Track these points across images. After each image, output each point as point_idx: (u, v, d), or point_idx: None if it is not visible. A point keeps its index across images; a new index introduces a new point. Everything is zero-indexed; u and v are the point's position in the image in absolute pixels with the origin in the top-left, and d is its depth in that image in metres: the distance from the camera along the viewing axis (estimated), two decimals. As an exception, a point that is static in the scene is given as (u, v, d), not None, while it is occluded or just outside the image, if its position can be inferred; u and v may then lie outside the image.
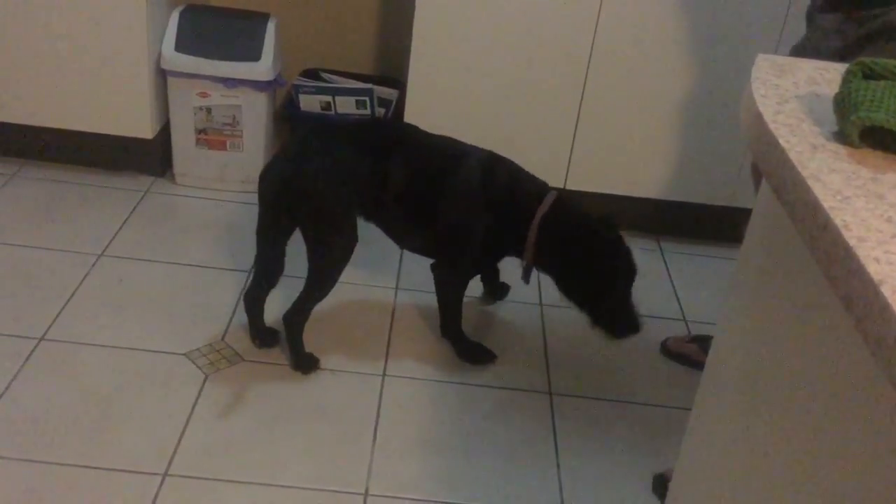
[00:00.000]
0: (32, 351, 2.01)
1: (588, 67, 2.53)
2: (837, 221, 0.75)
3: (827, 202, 0.78)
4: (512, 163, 2.06)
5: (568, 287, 2.01)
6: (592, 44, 2.51)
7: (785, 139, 0.90)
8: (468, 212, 1.98)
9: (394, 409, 1.99)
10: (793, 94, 1.02)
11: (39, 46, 2.54)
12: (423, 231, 2.05)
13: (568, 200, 2.04)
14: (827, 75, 1.08)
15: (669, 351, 2.26)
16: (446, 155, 2.01)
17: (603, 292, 1.96)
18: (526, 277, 2.05)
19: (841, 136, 0.91)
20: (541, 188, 2.03)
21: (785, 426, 0.96)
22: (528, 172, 2.06)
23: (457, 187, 1.97)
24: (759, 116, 0.95)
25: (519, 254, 2.02)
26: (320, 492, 1.75)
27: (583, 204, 2.10)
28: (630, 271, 1.99)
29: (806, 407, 0.92)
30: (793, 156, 0.86)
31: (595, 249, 1.97)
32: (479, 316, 2.34)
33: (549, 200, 1.99)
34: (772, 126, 0.92)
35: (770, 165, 0.91)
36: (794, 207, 0.84)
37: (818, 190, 0.80)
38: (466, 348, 2.15)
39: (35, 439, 1.78)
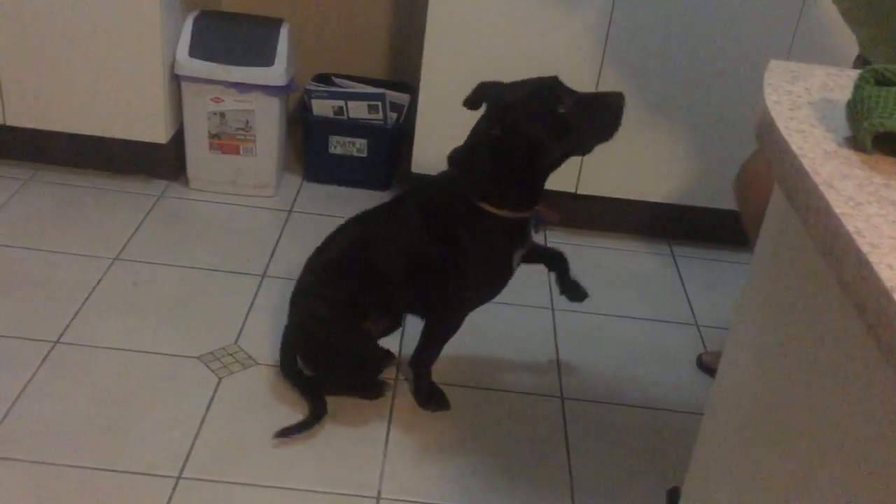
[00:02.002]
0: (48, 354, 2.02)
1: (600, 73, 2.54)
2: (850, 228, 0.76)
3: (839, 208, 0.79)
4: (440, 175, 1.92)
5: None
6: (604, 49, 2.51)
7: (797, 145, 0.90)
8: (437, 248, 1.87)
9: (406, 412, 2.00)
10: (805, 100, 1.02)
11: (54, 52, 2.56)
12: (421, 288, 1.94)
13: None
14: (839, 81, 1.09)
15: (705, 366, 2.23)
16: (391, 214, 1.94)
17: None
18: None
19: (853, 143, 0.91)
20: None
21: (798, 435, 0.96)
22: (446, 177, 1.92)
23: (412, 233, 1.88)
24: (771, 122, 0.96)
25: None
26: (333, 495, 1.75)
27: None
28: None
29: (819, 415, 0.92)
30: (805, 162, 0.86)
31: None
32: (491, 320, 2.35)
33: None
34: (784, 132, 0.93)
35: (782, 171, 0.91)
36: (807, 214, 0.84)
37: (831, 196, 0.81)
38: (427, 388, 2.03)
39: (49, 442, 1.79)
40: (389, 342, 2.17)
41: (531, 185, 1.83)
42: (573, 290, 2.08)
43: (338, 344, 1.95)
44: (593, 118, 1.74)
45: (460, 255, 1.85)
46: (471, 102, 1.82)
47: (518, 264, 1.93)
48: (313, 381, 2.00)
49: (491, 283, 1.94)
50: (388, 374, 2.10)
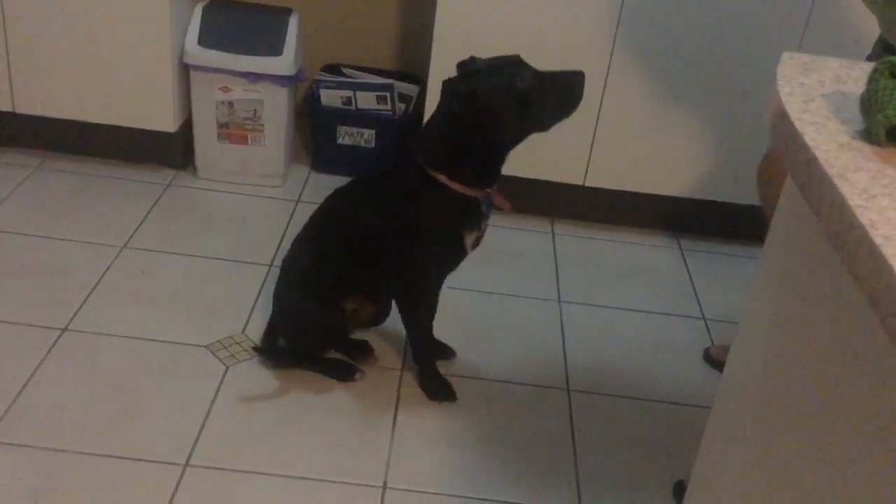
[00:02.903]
0: (56, 341, 2.03)
1: (609, 64, 2.53)
2: (864, 220, 0.75)
3: (853, 200, 0.78)
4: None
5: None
6: (614, 40, 2.50)
7: (811, 137, 0.90)
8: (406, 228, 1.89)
9: (412, 403, 2.00)
10: (818, 92, 1.02)
11: (63, 40, 2.57)
12: (383, 269, 1.96)
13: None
14: (853, 73, 1.08)
15: (712, 359, 2.23)
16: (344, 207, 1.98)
17: None
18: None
19: (867, 135, 0.91)
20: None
21: (807, 430, 0.96)
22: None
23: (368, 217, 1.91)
24: (784, 114, 0.95)
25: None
26: (339, 484, 1.76)
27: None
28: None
29: (829, 409, 0.92)
30: (819, 154, 0.86)
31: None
32: (498, 312, 2.35)
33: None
34: (798, 124, 0.92)
35: (796, 163, 0.91)
36: (820, 206, 0.84)
37: (844, 188, 0.80)
38: (431, 380, 2.04)
39: (57, 428, 1.80)
40: (391, 340, 2.17)
41: (487, 163, 1.84)
42: (437, 350, 2.11)
43: (305, 314, 1.98)
44: (552, 94, 1.77)
45: (412, 226, 1.86)
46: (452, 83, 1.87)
47: (472, 247, 1.94)
48: (288, 355, 2.05)
49: (442, 256, 1.94)
50: (393, 364, 2.10)
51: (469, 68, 1.82)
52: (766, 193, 1.99)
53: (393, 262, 1.92)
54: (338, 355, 2.09)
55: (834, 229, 0.80)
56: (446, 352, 2.15)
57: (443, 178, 1.82)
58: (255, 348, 2.06)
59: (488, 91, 1.74)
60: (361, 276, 1.97)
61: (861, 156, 0.87)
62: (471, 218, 1.88)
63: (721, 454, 1.25)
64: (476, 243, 1.94)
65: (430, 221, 1.86)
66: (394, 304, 2.09)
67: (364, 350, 2.11)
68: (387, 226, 1.88)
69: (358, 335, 2.14)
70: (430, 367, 2.03)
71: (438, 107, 1.84)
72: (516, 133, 1.81)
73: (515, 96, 1.75)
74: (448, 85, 1.81)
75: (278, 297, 2.05)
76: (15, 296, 2.16)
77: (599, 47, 2.51)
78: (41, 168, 2.73)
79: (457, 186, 1.82)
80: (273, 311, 2.09)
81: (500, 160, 1.85)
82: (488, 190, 1.86)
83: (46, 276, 2.25)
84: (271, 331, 2.08)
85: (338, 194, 2.00)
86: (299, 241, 2.02)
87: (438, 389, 2.02)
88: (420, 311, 1.99)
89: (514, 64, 1.78)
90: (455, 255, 1.95)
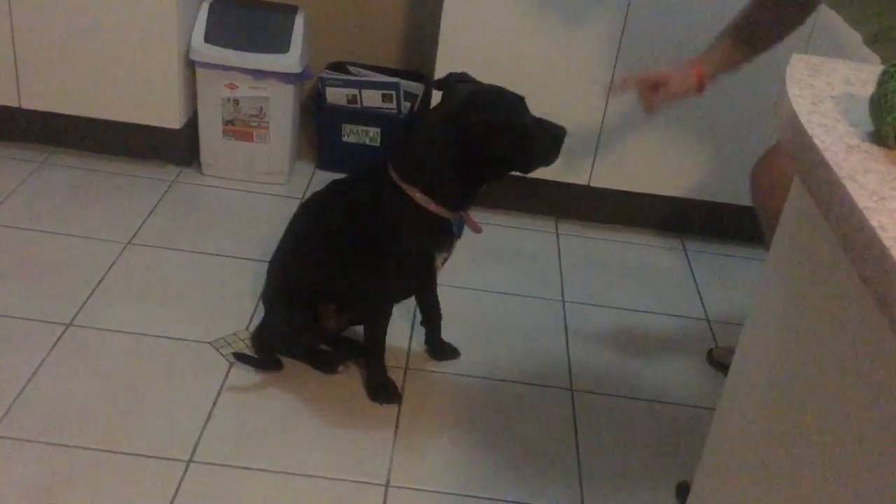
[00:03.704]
0: (60, 337, 2.03)
1: (615, 64, 2.53)
2: (873, 222, 0.75)
3: (862, 203, 0.78)
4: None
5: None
6: (620, 40, 2.50)
7: (820, 139, 0.90)
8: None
9: (416, 401, 2.00)
10: (827, 94, 1.02)
11: (70, 36, 2.57)
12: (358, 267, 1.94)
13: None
14: (862, 76, 1.08)
15: (715, 361, 2.23)
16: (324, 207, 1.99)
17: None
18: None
19: (876, 137, 0.91)
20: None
21: (813, 432, 0.96)
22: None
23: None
24: (793, 116, 0.95)
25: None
26: (342, 482, 1.76)
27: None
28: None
29: (836, 411, 0.91)
30: (828, 156, 0.86)
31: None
32: (502, 311, 2.35)
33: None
34: (807, 126, 0.92)
35: (805, 165, 0.91)
36: (829, 208, 0.83)
37: (853, 190, 0.80)
38: (375, 381, 2.01)
39: (61, 424, 1.80)
40: (396, 339, 2.17)
41: (467, 188, 1.84)
42: (442, 351, 2.14)
43: (280, 313, 2.01)
44: (542, 141, 1.83)
45: (383, 243, 1.86)
46: (436, 84, 1.90)
47: (439, 268, 1.95)
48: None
49: (409, 275, 1.95)
50: (396, 362, 2.10)
51: (475, 93, 1.80)
52: (759, 197, 1.98)
53: (358, 269, 1.91)
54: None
55: (843, 231, 0.80)
56: (452, 352, 2.15)
57: (417, 195, 1.80)
58: (236, 355, 2.03)
59: (505, 125, 1.77)
60: (331, 281, 1.96)
61: (870, 158, 0.87)
62: (441, 237, 1.88)
63: (725, 455, 1.25)
64: (443, 263, 1.94)
65: (402, 238, 1.85)
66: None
67: (353, 351, 2.08)
68: (355, 233, 1.88)
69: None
70: (375, 368, 2.00)
71: (432, 125, 1.82)
72: (509, 169, 1.85)
73: (522, 136, 1.79)
74: (453, 107, 1.79)
75: (263, 294, 2.12)
76: (20, 291, 2.16)
77: (606, 45, 2.51)
78: (46, 164, 2.73)
79: (431, 206, 1.81)
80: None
81: (479, 187, 1.86)
82: (461, 213, 1.87)
83: (51, 271, 2.25)
84: (260, 331, 2.09)
85: (313, 198, 2.02)
86: (279, 245, 2.06)
87: (379, 391, 1.99)
88: (376, 319, 1.98)
89: (520, 102, 1.82)
90: (422, 274, 1.95)
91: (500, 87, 1.84)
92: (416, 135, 1.84)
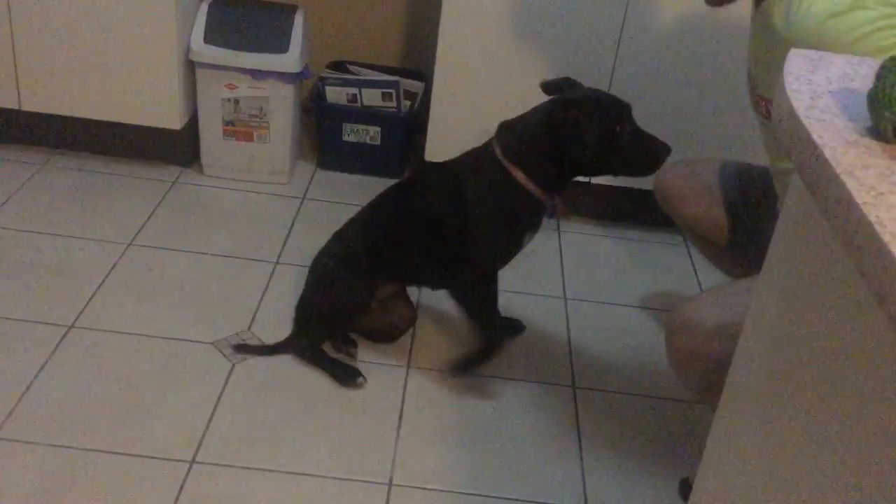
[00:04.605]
0: (62, 338, 2.04)
1: (615, 63, 2.53)
2: (871, 217, 0.75)
3: (861, 198, 0.78)
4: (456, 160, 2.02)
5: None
6: (619, 39, 2.50)
7: (818, 134, 0.89)
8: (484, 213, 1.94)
9: (418, 400, 2.00)
10: (825, 89, 1.01)
11: (69, 38, 2.57)
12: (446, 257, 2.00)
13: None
14: (860, 70, 1.08)
15: None
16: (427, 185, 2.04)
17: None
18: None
19: (875, 132, 0.91)
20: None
21: (813, 428, 0.96)
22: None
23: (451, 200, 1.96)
24: (791, 111, 0.95)
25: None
26: (345, 481, 1.76)
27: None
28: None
29: (836, 408, 0.91)
30: (826, 151, 0.86)
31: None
32: (504, 309, 2.34)
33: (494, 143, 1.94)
34: (805, 121, 0.92)
35: (803, 161, 0.91)
36: (827, 203, 0.83)
37: (852, 186, 0.80)
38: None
39: (63, 425, 1.81)
40: (400, 338, 2.17)
41: (560, 176, 1.92)
42: (510, 327, 2.25)
43: (336, 283, 2.02)
44: (640, 153, 1.88)
45: (475, 212, 1.92)
46: (550, 87, 1.94)
47: (526, 243, 2.00)
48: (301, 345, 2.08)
49: (499, 248, 1.99)
50: (399, 361, 2.10)
51: (581, 93, 1.90)
52: (677, 364, 1.79)
53: (450, 251, 1.96)
54: (341, 355, 2.09)
55: (841, 227, 0.80)
56: (517, 328, 2.26)
57: (519, 175, 1.88)
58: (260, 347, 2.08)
59: (593, 128, 1.82)
60: (406, 262, 2.02)
61: (869, 153, 0.87)
62: (531, 216, 1.95)
63: (727, 452, 1.25)
64: (527, 242, 2.01)
65: (497, 215, 1.92)
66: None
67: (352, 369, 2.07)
68: (453, 214, 1.93)
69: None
70: (497, 339, 2.06)
71: (539, 109, 1.89)
72: (594, 167, 1.91)
73: (609, 139, 1.84)
74: (558, 101, 1.87)
75: (313, 265, 2.10)
76: (21, 293, 2.17)
77: (606, 45, 2.51)
78: (47, 165, 2.73)
79: (529, 185, 1.88)
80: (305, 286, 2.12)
81: (572, 177, 1.94)
82: (554, 196, 1.94)
83: (53, 273, 2.26)
84: (302, 301, 2.11)
85: (406, 181, 2.10)
86: (352, 219, 2.09)
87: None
88: (484, 294, 2.03)
89: (622, 109, 1.87)
90: (510, 248, 2.00)
91: (608, 94, 1.93)
92: (524, 118, 1.92)
